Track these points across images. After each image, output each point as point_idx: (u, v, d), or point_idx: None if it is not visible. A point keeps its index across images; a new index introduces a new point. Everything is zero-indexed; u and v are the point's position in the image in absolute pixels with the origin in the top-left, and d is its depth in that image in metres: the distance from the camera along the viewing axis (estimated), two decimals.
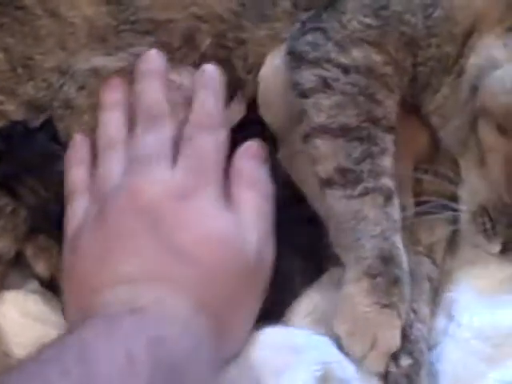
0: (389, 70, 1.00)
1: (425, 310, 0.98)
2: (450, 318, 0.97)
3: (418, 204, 1.02)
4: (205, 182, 0.91)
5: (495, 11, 1.00)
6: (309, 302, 0.98)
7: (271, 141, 1.06)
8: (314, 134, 0.99)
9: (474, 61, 0.99)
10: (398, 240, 0.94)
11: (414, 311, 0.96)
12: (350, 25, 1.02)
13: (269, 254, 0.93)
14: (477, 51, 0.99)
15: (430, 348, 0.95)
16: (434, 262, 1.03)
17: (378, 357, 0.91)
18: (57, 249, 1.05)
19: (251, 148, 0.97)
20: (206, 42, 1.09)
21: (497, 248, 0.96)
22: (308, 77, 1.01)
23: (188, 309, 0.83)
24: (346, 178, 0.95)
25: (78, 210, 0.97)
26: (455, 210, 0.99)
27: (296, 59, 1.03)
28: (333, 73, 1.00)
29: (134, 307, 0.80)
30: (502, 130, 0.94)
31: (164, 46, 1.09)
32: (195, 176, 0.91)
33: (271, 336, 0.91)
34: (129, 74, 1.09)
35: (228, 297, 0.88)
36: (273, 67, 1.07)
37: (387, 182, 0.96)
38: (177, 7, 1.09)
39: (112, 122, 1.02)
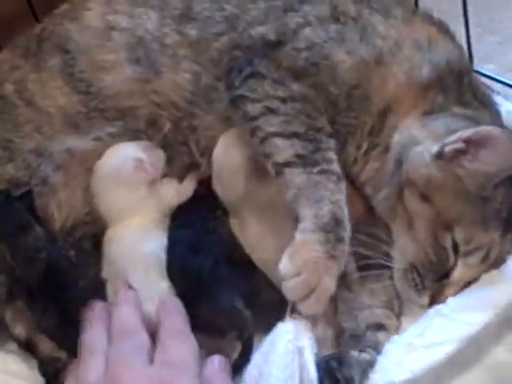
0: (320, 101, 1.11)
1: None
2: None
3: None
4: (178, 378, 0.95)
5: (408, 98, 1.12)
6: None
7: (222, 210, 1.18)
8: (270, 136, 1.09)
9: (397, 139, 1.10)
10: (346, 211, 1.04)
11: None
12: (287, 62, 1.12)
13: None
14: (399, 131, 1.10)
15: None
16: (395, 315, 1.11)
17: (319, 298, 1.01)
18: (32, 313, 1.11)
19: (219, 361, 1.01)
20: (167, 126, 1.21)
21: (426, 301, 1.07)
22: (253, 109, 1.11)
23: None
24: (305, 160, 1.06)
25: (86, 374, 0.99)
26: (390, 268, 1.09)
27: (241, 102, 1.13)
28: (274, 104, 1.11)
29: None
30: (424, 197, 1.05)
31: (131, 130, 1.21)
32: (170, 372, 0.95)
33: None
34: (100, 154, 1.18)
35: None
36: (222, 149, 1.18)
37: (337, 167, 1.07)
38: (139, 95, 1.20)
39: (94, 333, 1.05)
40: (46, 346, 1.12)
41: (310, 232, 1.02)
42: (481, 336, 1.00)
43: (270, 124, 1.10)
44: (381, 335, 1.07)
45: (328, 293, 1.01)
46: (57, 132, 1.22)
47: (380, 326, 1.09)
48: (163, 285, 1.10)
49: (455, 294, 1.06)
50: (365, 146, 1.13)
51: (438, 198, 1.05)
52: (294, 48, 1.14)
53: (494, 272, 1.06)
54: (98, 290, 1.12)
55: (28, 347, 1.14)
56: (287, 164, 1.07)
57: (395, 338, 1.06)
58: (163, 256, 1.13)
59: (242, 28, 1.18)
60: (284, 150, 1.08)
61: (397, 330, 1.09)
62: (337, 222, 1.03)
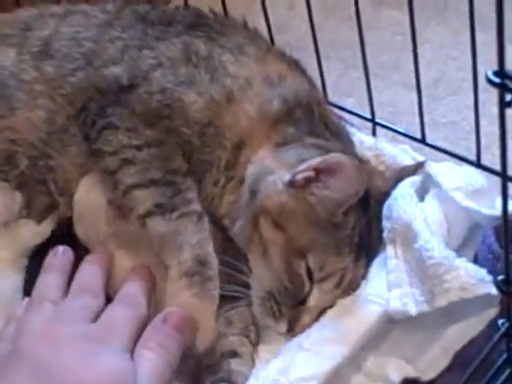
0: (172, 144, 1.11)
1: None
2: None
3: None
4: (112, 337, 0.94)
5: (260, 131, 1.13)
6: None
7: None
8: (129, 190, 1.09)
9: (251, 170, 1.11)
10: (210, 248, 1.06)
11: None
12: (141, 106, 1.12)
13: None
14: (253, 163, 1.11)
15: None
16: (251, 342, 1.11)
17: (205, 335, 1.02)
18: None
19: (168, 315, 1.00)
20: (23, 164, 1.18)
21: (284, 328, 1.07)
22: (111, 162, 1.11)
23: None
24: (163, 209, 1.07)
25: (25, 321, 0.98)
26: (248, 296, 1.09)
27: (99, 156, 1.13)
28: (130, 154, 1.11)
29: None
30: (278, 225, 1.06)
31: None
32: (105, 332, 0.94)
33: None
34: None
35: None
36: (84, 192, 1.16)
37: (196, 207, 1.08)
38: None
39: (47, 282, 1.05)
40: None
41: (176, 280, 1.03)
42: (343, 368, 1.00)
43: (129, 175, 1.10)
44: (234, 362, 1.07)
45: (210, 331, 1.03)
46: None
47: (234, 353, 1.08)
48: None
49: (312, 320, 1.07)
50: (222, 181, 1.14)
51: (290, 225, 1.05)
52: (146, 91, 1.13)
53: (348, 300, 1.06)
54: None
55: None
56: (147, 215, 1.07)
57: (260, 373, 1.04)
58: (16, 296, 1.11)
59: (97, 65, 1.17)
60: (143, 201, 1.08)
61: (252, 357, 1.09)
62: (200, 263, 1.04)
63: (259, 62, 1.18)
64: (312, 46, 1.31)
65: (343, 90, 1.40)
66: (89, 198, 1.16)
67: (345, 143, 1.17)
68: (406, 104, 1.48)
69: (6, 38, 1.23)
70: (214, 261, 1.05)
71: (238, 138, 1.13)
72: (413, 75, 1.18)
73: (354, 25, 1.20)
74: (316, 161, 1.05)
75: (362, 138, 1.23)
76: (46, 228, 1.19)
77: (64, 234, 1.18)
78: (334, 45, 1.40)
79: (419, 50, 1.15)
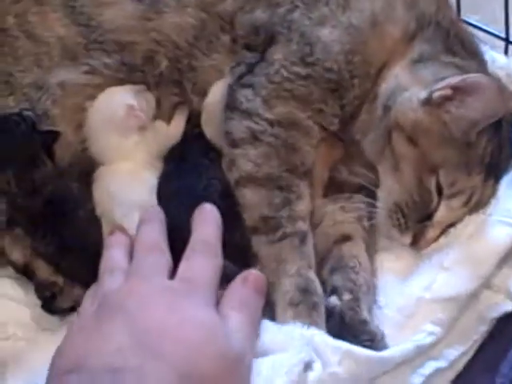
0: (310, 122, 1.11)
1: (366, 262, 1.10)
2: None
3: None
4: (197, 291, 0.91)
5: (400, 48, 1.12)
6: None
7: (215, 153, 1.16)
8: (242, 183, 1.10)
9: (385, 86, 1.11)
10: (311, 274, 1.05)
11: (360, 263, 1.08)
12: (278, 76, 1.12)
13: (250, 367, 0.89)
14: (386, 80, 1.11)
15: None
16: (364, 229, 1.13)
17: None
18: (32, 239, 1.13)
19: (249, 276, 0.96)
20: (163, 64, 1.20)
21: (408, 240, 1.08)
22: (239, 128, 1.12)
23: None
24: (268, 224, 1.07)
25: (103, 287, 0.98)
26: (373, 206, 1.11)
27: (230, 110, 1.14)
28: (260, 126, 1.11)
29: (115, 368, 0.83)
30: (411, 140, 1.06)
31: (127, 64, 1.20)
32: (189, 286, 0.91)
33: None
34: (91, 89, 1.19)
35: None
36: (214, 98, 1.18)
37: (302, 225, 1.07)
38: (139, 31, 1.19)
39: (114, 253, 1.03)
40: (43, 270, 1.13)
41: (281, 312, 1.02)
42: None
43: (248, 159, 1.10)
44: (345, 246, 1.10)
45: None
46: (55, 64, 1.21)
47: (346, 237, 1.11)
48: None
49: (437, 235, 1.08)
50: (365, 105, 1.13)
51: (424, 141, 1.06)
52: (287, 39, 1.14)
53: (481, 221, 1.06)
54: (95, 222, 1.13)
55: (25, 272, 1.15)
56: (254, 230, 1.07)
57: (404, 289, 1.05)
58: (152, 199, 1.13)
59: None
60: (252, 208, 1.08)
61: (365, 241, 1.12)
62: (303, 291, 1.03)
63: None
64: None
65: (466, 7, 1.36)
66: (219, 104, 1.17)
67: (479, 63, 1.16)
68: None
69: None
70: (316, 285, 1.05)
71: (382, 62, 1.12)
72: None
73: None
74: (455, 80, 1.04)
75: (494, 56, 1.22)
76: (177, 128, 1.21)
77: (195, 135, 1.20)
78: None
79: None
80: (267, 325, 0.97)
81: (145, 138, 1.19)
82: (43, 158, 1.15)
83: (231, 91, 1.15)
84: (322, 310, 1.04)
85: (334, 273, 1.08)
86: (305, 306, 1.03)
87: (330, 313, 1.03)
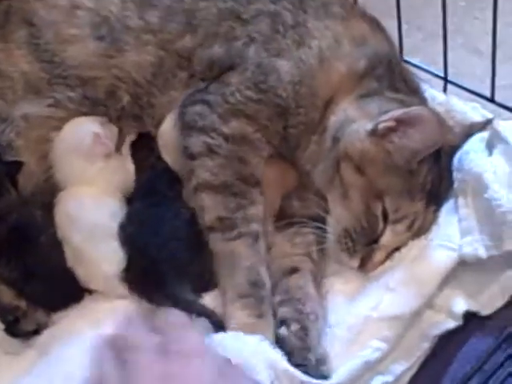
0: (258, 136, 1.19)
1: (313, 292, 1.16)
2: None
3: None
4: None
5: (348, 84, 1.19)
6: None
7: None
8: (200, 188, 1.17)
9: (333, 120, 1.18)
10: (263, 269, 1.13)
11: (306, 293, 1.14)
12: (233, 98, 1.20)
13: None
14: (335, 113, 1.18)
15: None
16: (312, 260, 1.20)
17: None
18: None
19: None
20: (125, 99, 1.26)
21: (356, 263, 1.14)
22: (196, 143, 1.19)
23: None
24: (224, 224, 1.15)
25: None
26: (323, 232, 1.17)
27: (186, 127, 1.21)
28: (216, 140, 1.18)
29: None
30: (358, 169, 1.13)
31: (90, 98, 1.26)
32: None
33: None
34: (55, 121, 1.24)
35: None
36: (169, 126, 1.24)
37: (255, 226, 1.15)
38: (101, 68, 1.25)
39: None
40: (6, 295, 1.16)
41: (232, 302, 1.11)
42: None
43: (206, 169, 1.18)
44: (292, 279, 1.16)
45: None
46: (19, 97, 1.26)
47: (294, 270, 1.17)
48: (108, 247, 1.16)
49: (383, 258, 1.14)
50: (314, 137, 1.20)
51: (370, 170, 1.12)
52: (244, 68, 1.21)
53: (424, 245, 1.13)
54: (58, 247, 1.17)
55: None
56: (210, 229, 1.15)
57: (351, 309, 1.12)
58: (113, 225, 1.17)
59: (199, 39, 1.24)
60: (209, 210, 1.16)
61: (313, 274, 1.18)
62: (253, 285, 1.12)
63: (344, 21, 1.24)
64: (379, 7, 1.35)
65: (407, 49, 1.44)
66: (170, 133, 1.24)
67: (421, 99, 1.24)
68: (468, 66, 1.55)
69: None
70: (266, 281, 1.13)
71: (328, 95, 1.19)
72: (475, 39, 1.23)
73: None
74: (399, 112, 1.12)
75: (433, 94, 1.30)
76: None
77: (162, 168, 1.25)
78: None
79: (481, 16, 1.19)
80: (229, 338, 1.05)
81: (108, 166, 1.24)
82: (7, 186, 1.19)
83: (183, 112, 1.22)
84: (270, 303, 1.12)
85: (282, 305, 1.14)
86: (253, 299, 1.11)
87: (281, 342, 1.09)
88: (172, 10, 1.26)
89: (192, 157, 1.19)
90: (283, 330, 1.11)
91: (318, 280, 1.18)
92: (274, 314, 1.13)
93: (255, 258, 1.14)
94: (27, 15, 1.29)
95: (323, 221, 1.17)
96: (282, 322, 1.12)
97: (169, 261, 1.12)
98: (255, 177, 1.18)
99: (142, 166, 1.26)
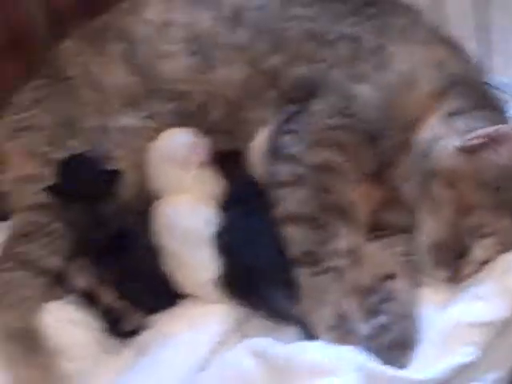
0: (347, 165, 1.22)
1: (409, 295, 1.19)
2: None
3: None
4: None
5: (433, 103, 1.23)
6: None
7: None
8: (286, 220, 1.19)
9: (422, 137, 1.21)
10: (350, 301, 1.15)
11: (401, 296, 1.18)
12: (318, 126, 1.23)
13: None
14: (423, 130, 1.22)
15: None
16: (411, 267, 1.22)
17: None
18: (97, 268, 1.22)
19: None
20: (216, 113, 1.31)
21: (445, 276, 1.17)
22: (283, 171, 1.22)
23: None
24: (310, 258, 1.17)
25: None
26: (413, 246, 1.21)
27: (274, 154, 1.25)
28: (304, 170, 1.21)
29: None
30: (449, 184, 1.16)
31: (183, 111, 1.31)
32: None
33: None
34: (150, 132, 1.30)
35: None
36: (260, 142, 1.29)
37: (341, 260, 1.17)
38: (193, 83, 1.31)
39: None
40: (107, 296, 1.21)
41: (319, 335, 1.12)
42: None
43: (294, 199, 1.20)
44: (389, 284, 1.19)
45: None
46: (115, 110, 1.32)
47: (389, 275, 1.20)
48: (204, 253, 1.20)
49: (472, 271, 1.17)
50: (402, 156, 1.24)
51: (460, 185, 1.15)
52: (325, 92, 1.25)
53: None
54: (154, 252, 1.23)
55: (89, 298, 1.23)
56: (296, 261, 1.17)
57: (443, 316, 1.14)
58: (208, 231, 1.22)
59: (285, 59, 1.28)
60: (296, 242, 1.18)
61: (408, 279, 1.20)
62: (342, 317, 1.14)
63: (426, 44, 1.29)
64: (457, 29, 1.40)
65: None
66: (263, 145, 1.28)
67: (505, 117, 1.27)
68: None
69: (202, 2, 1.36)
70: (354, 313, 1.15)
71: (414, 116, 1.23)
72: None
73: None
74: (487, 130, 1.15)
75: None
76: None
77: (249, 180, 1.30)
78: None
79: None
80: (318, 346, 1.08)
81: (201, 174, 1.29)
82: (110, 194, 1.25)
83: (274, 138, 1.26)
84: (358, 337, 1.13)
85: (379, 305, 1.17)
86: (341, 332, 1.13)
87: (375, 333, 1.13)
88: (260, 29, 1.31)
89: (279, 185, 1.22)
90: (377, 322, 1.15)
91: (413, 287, 1.20)
92: (367, 312, 1.16)
93: (342, 291, 1.16)
94: (122, 31, 1.36)
95: (411, 234, 1.21)
96: (377, 316, 1.15)
97: (263, 268, 1.16)
98: (341, 207, 1.20)
99: (230, 178, 1.31)
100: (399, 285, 1.20)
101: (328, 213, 1.20)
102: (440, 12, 1.51)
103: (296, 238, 1.19)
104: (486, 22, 1.49)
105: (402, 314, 1.15)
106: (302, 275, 1.17)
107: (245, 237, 1.19)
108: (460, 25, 1.45)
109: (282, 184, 1.22)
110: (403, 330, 1.13)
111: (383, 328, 1.14)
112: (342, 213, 1.21)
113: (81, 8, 1.50)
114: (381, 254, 1.23)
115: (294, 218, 1.20)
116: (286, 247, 1.18)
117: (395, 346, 1.12)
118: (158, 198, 1.29)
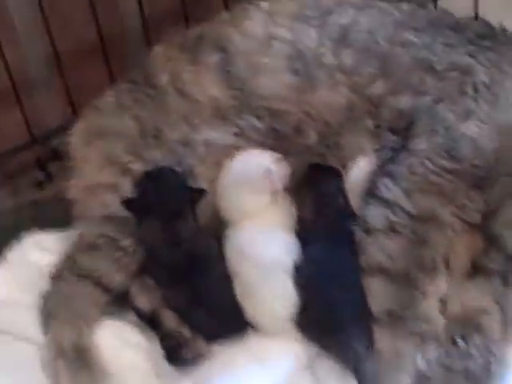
0: (451, 218, 1.09)
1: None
2: None
3: None
4: None
5: None
6: None
7: None
8: (371, 271, 1.07)
9: None
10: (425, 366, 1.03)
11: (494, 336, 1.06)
12: (421, 167, 1.10)
13: None
14: None
15: None
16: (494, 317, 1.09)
17: None
18: (163, 290, 1.13)
19: None
20: (312, 137, 1.21)
21: None
22: (375, 215, 1.10)
23: None
24: (393, 319, 1.04)
25: None
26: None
27: (369, 196, 1.13)
28: (399, 217, 1.08)
29: None
30: None
31: (276, 132, 1.22)
32: None
33: None
34: (234, 150, 1.20)
35: None
36: (357, 177, 1.18)
37: (426, 326, 1.04)
38: (292, 102, 1.21)
39: None
40: (170, 320, 1.13)
41: None
42: None
43: (380, 250, 1.08)
44: (482, 319, 1.07)
45: None
46: (203, 122, 1.23)
47: (483, 312, 1.08)
48: (281, 284, 1.10)
49: None
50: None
51: None
52: (432, 129, 1.13)
53: None
54: (227, 278, 1.13)
55: (150, 320, 1.15)
56: (377, 321, 1.05)
57: None
58: (286, 260, 1.12)
59: (390, 86, 1.19)
60: (378, 299, 1.06)
61: (500, 318, 1.08)
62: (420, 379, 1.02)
63: None
64: None
65: None
66: (361, 179, 1.17)
67: None
68: None
69: (307, 19, 1.27)
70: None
71: None
72: None
73: None
74: None
75: None
76: None
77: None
78: None
79: None
80: None
81: (275, 202, 1.19)
82: (190, 213, 1.15)
83: (372, 178, 1.15)
84: None
85: (472, 335, 1.06)
86: None
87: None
88: (367, 53, 1.22)
89: (368, 231, 1.10)
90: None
91: (506, 328, 1.08)
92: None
93: (423, 354, 1.03)
94: (221, 41, 1.28)
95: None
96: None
97: (348, 308, 1.05)
98: (436, 261, 1.08)
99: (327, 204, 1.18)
100: (493, 323, 1.07)
101: (422, 269, 1.07)
102: None
103: (380, 293, 1.06)
104: None
105: (488, 350, 1.04)
106: (381, 336, 1.04)
107: (330, 272, 1.08)
108: None
109: (371, 230, 1.10)
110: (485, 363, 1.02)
111: (464, 354, 1.03)
112: (437, 268, 1.08)
113: (177, 15, 1.46)
114: (476, 294, 1.10)
115: (383, 270, 1.07)
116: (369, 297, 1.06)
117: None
118: (228, 220, 1.19)
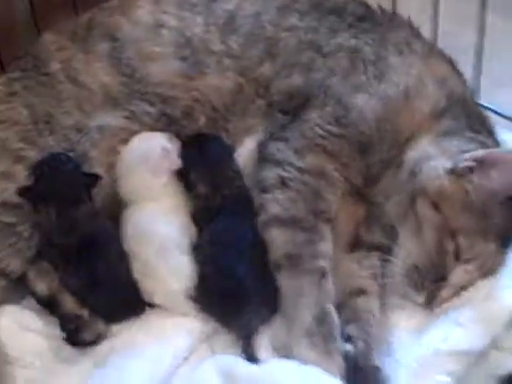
0: (337, 175, 1.16)
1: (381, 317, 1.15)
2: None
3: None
4: None
5: (428, 122, 1.18)
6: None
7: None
8: (270, 223, 1.13)
9: (411, 155, 1.16)
10: (330, 306, 1.09)
11: (374, 316, 1.14)
12: (311, 132, 1.17)
13: None
14: (413, 149, 1.17)
15: None
16: (378, 285, 1.17)
17: None
18: (60, 273, 1.15)
19: None
20: (201, 121, 1.25)
21: (422, 298, 1.12)
22: (269, 176, 1.17)
23: None
24: (291, 261, 1.11)
25: None
26: (389, 265, 1.15)
27: (262, 160, 1.19)
28: (290, 173, 1.15)
29: None
30: (435, 206, 1.11)
31: (167, 116, 1.25)
32: None
33: None
34: (127, 134, 1.23)
35: None
36: (246, 150, 1.23)
37: (323, 263, 1.11)
38: (180, 88, 1.24)
39: None
40: (69, 304, 1.14)
41: (297, 340, 1.07)
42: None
43: (276, 203, 1.14)
44: (360, 300, 1.14)
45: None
46: (96, 109, 1.25)
47: (361, 291, 1.15)
48: (176, 262, 1.13)
49: (450, 296, 1.12)
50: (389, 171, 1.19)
51: (446, 207, 1.10)
52: (323, 103, 1.19)
53: (493, 285, 1.11)
54: (123, 258, 1.15)
55: (49, 304, 1.16)
56: (278, 267, 1.11)
57: (422, 340, 1.09)
58: (181, 238, 1.15)
59: (278, 67, 1.23)
60: (278, 246, 1.12)
61: (379, 297, 1.15)
62: (320, 322, 1.08)
63: (426, 59, 1.23)
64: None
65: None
66: (250, 155, 1.22)
67: (496, 141, 1.22)
68: None
69: (193, 7, 1.29)
70: (334, 318, 1.09)
71: (410, 132, 1.18)
72: None
73: None
74: (480, 153, 1.11)
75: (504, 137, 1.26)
76: None
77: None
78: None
79: None
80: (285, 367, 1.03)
81: (172, 182, 1.22)
82: (84, 197, 1.17)
83: (264, 146, 1.20)
84: (338, 341, 1.08)
85: (349, 323, 1.12)
86: (320, 337, 1.07)
87: (345, 358, 1.07)
88: (253, 37, 1.25)
89: (264, 190, 1.16)
90: (348, 346, 1.09)
91: (384, 305, 1.16)
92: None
93: (321, 295, 1.10)
94: (110, 29, 1.29)
95: (388, 252, 1.16)
96: (348, 339, 1.10)
97: (242, 283, 1.09)
98: (329, 213, 1.15)
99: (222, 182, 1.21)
100: (371, 304, 1.14)
101: (315, 216, 1.14)
102: None
103: (278, 240, 1.13)
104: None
105: (369, 336, 1.11)
106: (281, 279, 1.10)
107: (228, 248, 1.12)
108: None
109: (266, 189, 1.16)
110: (370, 355, 1.09)
111: (350, 355, 1.09)
112: (329, 220, 1.15)
113: (66, 1, 1.44)
114: (355, 266, 1.18)
115: (278, 221, 1.14)
116: (267, 253, 1.12)
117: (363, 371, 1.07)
118: (126, 203, 1.21)
